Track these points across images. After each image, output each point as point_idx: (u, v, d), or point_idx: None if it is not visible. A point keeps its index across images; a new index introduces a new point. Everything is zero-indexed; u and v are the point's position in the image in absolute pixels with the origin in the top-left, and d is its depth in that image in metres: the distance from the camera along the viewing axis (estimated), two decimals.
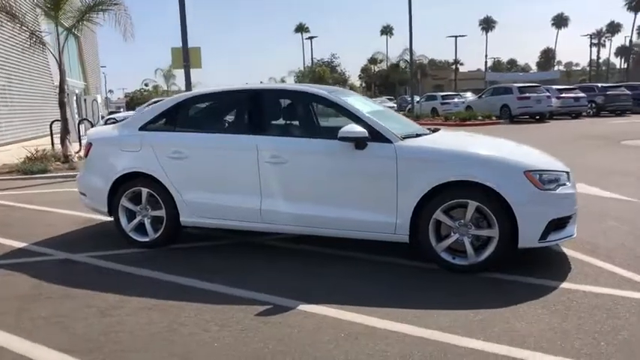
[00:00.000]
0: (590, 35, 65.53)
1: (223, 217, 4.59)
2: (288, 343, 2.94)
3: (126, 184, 4.82)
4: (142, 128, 4.87)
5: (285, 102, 4.81)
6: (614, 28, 74.45)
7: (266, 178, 4.36)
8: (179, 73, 63.65)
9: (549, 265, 4.15)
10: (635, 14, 65.61)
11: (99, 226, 5.87)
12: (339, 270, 4.16)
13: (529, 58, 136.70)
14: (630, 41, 65.78)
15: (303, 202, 4.31)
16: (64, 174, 10.01)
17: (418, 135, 4.42)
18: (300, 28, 67.87)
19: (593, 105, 24.77)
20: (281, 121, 4.79)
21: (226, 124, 4.91)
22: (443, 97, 31.03)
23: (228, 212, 4.54)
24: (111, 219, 5.04)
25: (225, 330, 3.13)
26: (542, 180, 3.89)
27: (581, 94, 24.32)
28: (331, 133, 4.33)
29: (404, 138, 4.18)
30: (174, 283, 3.97)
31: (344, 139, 4.08)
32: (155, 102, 24.14)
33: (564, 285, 3.71)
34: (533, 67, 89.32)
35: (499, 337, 2.96)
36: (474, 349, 2.83)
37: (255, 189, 4.40)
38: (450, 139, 4.55)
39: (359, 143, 4.10)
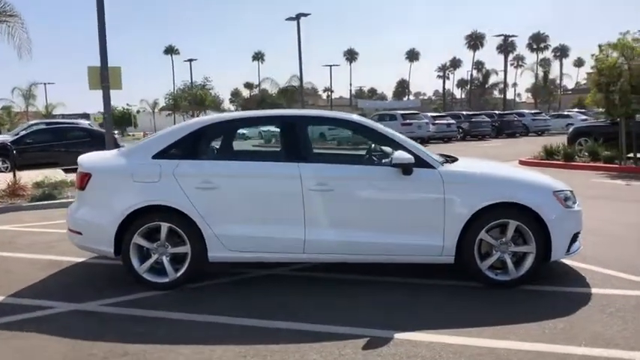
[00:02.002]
0: (439, 68, 74.20)
1: (262, 250, 4.32)
2: None
3: (140, 219, 4.29)
4: (157, 156, 4.39)
5: (323, 128, 4.74)
6: (456, 63, 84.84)
7: (311, 207, 4.24)
8: (40, 93, 57.01)
9: (565, 275, 4.64)
10: (474, 52, 75.83)
11: (73, 269, 5.10)
12: (397, 296, 4.16)
13: (387, 87, 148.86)
14: (471, 75, 75.61)
15: (351, 229, 4.27)
16: None
17: (448, 161, 4.67)
18: (170, 50, 65.66)
19: (461, 130, 27.94)
20: (321, 147, 4.70)
21: (261, 151, 4.67)
22: None
23: (268, 244, 4.30)
24: (91, 260, 4.43)
25: None
26: (565, 199, 4.40)
27: (452, 121, 27.33)
28: (371, 159, 4.39)
29: (443, 163, 4.41)
30: (237, 325, 3.64)
31: (397, 165, 4.17)
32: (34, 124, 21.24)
33: (594, 290, 4.19)
34: (389, 96, 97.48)
35: (594, 341, 3.27)
36: (584, 355, 3.09)
37: (299, 218, 4.24)
38: (478, 164, 4.89)
39: (406, 169, 4.22)
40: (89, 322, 3.74)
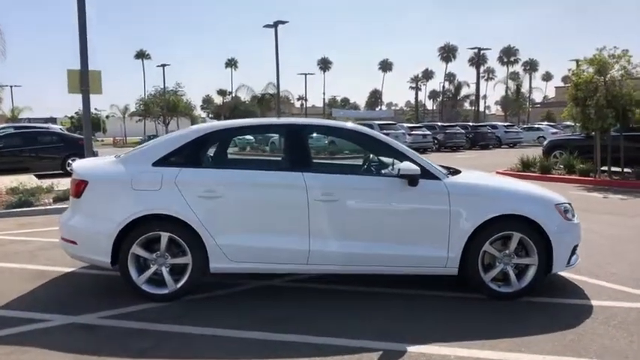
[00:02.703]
0: (412, 79, 75.43)
1: (266, 261, 4.23)
2: None
3: (139, 228, 4.14)
4: (157, 164, 4.26)
5: (328, 137, 4.68)
6: (428, 74, 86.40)
7: (316, 217, 4.18)
8: (6, 96, 54.89)
9: (563, 286, 4.71)
10: (447, 64, 77.38)
11: (62, 279, 4.89)
12: (401, 308, 4.14)
13: (359, 97, 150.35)
14: (443, 86, 77.01)
15: (355, 240, 4.23)
16: None
17: (452, 172, 4.69)
18: (141, 55, 64.60)
19: (436, 141, 28.34)
20: (326, 157, 4.65)
21: (265, 160, 4.58)
22: None
23: (272, 255, 4.21)
24: (82, 270, 4.26)
25: None
26: (565, 211, 4.47)
27: (428, 132, 27.67)
28: (369, 169, 4.35)
29: (447, 175, 4.42)
30: (250, 339, 3.54)
31: (404, 176, 4.16)
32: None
33: (594, 303, 4.25)
34: (362, 106, 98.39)
35: (604, 354, 3.31)
36: None
37: (304, 229, 4.18)
38: (481, 177, 4.92)
39: (412, 180, 4.21)
40: (90, 336, 3.58)
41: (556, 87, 76.26)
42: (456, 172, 4.70)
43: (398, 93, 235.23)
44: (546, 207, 4.38)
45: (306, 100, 66.31)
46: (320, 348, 3.36)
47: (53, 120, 49.27)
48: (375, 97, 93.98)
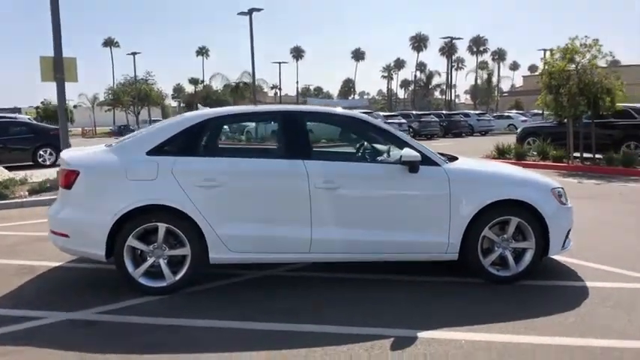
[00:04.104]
0: (384, 69, 75.69)
1: (267, 251, 4.16)
2: None
3: (135, 220, 4.00)
4: (152, 153, 4.11)
5: (328, 125, 4.61)
6: (400, 63, 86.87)
7: (317, 205, 4.12)
8: None
9: (556, 269, 4.79)
10: (418, 53, 77.96)
11: (49, 274, 4.70)
12: (403, 295, 4.13)
13: (332, 86, 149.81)
14: (415, 76, 77.68)
15: (358, 228, 4.20)
16: None
17: (450, 159, 4.69)
18: (109, 43, 62.68)
19: (411, 130, 28.55)
20: (326, 145, 4.58)
21: (266, 148, 4.47)
22: None
23: (273, 245, 4.14)
24: (82, 264, 4.11)
25: None
26: (559, 195, 4.54)
27: (403, 120, 27.86)
28: (375, 156, 4.33)
29: (446, 162, 4.43)
30: (257, 330, 3.47)
31: (406, 162, 4.14)
32: None
33: (588, 284, 4.34)
34: (335, 95, 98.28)
35: (608, 333, 3.38)
36: (606, 347, 3.19)
37: (305, 217, 4.11)
38: (479, 163, 4.95)
39: (413, 167, 4.19)
40: (90, 332, 3.44)
41: (524, 76, 77.85)
42: (452, 158, 4.71)
43: (370, 82, 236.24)
44: (543, 192, 4.44)
45: (280, 89, 65.76)
46: (331, 337, 3.32)
47: (18, 110, 47.31)
48: (348, 86, 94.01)
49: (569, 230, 4.61)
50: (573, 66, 13.15)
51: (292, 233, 4.13)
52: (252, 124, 4.44)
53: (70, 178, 4.10)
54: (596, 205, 8.09)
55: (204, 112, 4.53)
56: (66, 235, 4.12)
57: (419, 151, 4.25)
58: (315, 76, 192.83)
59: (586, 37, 13.19)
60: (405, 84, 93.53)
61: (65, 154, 4.39)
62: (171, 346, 3.22)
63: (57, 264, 4.95)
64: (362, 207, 4.23)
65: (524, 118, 34.25)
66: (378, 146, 4.81)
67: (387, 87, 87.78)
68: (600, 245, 5.53)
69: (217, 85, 55.48)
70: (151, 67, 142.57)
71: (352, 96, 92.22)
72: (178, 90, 77.36)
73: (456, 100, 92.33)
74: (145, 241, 4.07)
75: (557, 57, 13.52)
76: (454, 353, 3.11)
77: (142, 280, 4.06)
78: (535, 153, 14.88)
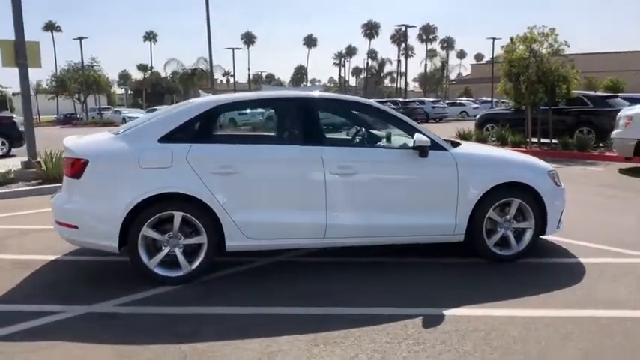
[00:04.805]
0: (336, 56, 75.98)
1: (282, 237, 4.17)
2: (496, 346, 3.04)
3: (149, 209, 3.90)
4: (164, 140, 4.01)
5: (340, 111, 4.63)
6: (351, 51, 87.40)
7: (332, 191, 4.16)
8: None
9: (550, 248, 5.06)
10: (370, 41, 78.68)
11: (49, 268, 4.51)
12: (423, 276, 4.25)
13: (284, 73, 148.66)
14: (367, 63, 78.46)
15: (372, 212, 4.28)
16: None
17: (454, 144, 4.84)
18: (51, 27, 59.21)
19: None
20: (338, 131, 4.60)
21: (279, 134, 4.43)
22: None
23: (289, 231, 4.16)
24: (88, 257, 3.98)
25: (418, 346, 3.03)
26: (554, 177, 4.80)
27: None
28: (375, 142, 4.41)
29: (451, 147, 4.57)
30: (288, 314, 3.50)
31: (418, 147, 4.25)
32: None
33: (582, 260, 4.63)
34: (286, 82, 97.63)
35: (615, 304, 3.64)
36: (619, 317, 3.43)
37: (321, 203, 4.15)
38: (481, 148, 5.14)
39: (423, 151, 4.31)
40: (117, 325, 3.35)
41: (472, 64, 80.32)
42: (455, 143, 4.87)
43: (322, 69, 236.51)
44: (541, 174, 4.68)
45: (234, 75, 64.72)
46: (364, 318, 3.40)
47: None
48: (300, 73, 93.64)
49: (563, 211, 4.89)
50: (532, 54, 13.75)
51: (308, 219, 4.16)
52: (263, 110, 4.35)
53: (77, 167, 3.93)
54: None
55: (215, 98, 4.45)
56: (74, 227, 3.97)
57: (428, 137, 4.38)
58: (266, 63, 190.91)
59: (543, 26, 13.84)
60: (356, 71, 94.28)
61: (69, 142, 4.20)
62: (206, 335, 3.19)
63: (52, 257, 4.75)
64: (376, 192, 4.31)
65: (475, 105, 35.43)
66: (367, 132, 4.92)
67: (339, 74, 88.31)
68: (578, 224, 5.87)
69: (165, 71, 53.69)
70: (95, 52, 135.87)
71: (304, 83, 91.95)
72: (124, 77, 74.45)
73: (407, 88, 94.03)
74: (159, 230, 3.98)
75: (518, 46, 14.08)
76: (483, 328, 3.27)
77: (158, 270, 3.98)
78: (494, 139, 15.50)
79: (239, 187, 4.04)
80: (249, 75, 71.50)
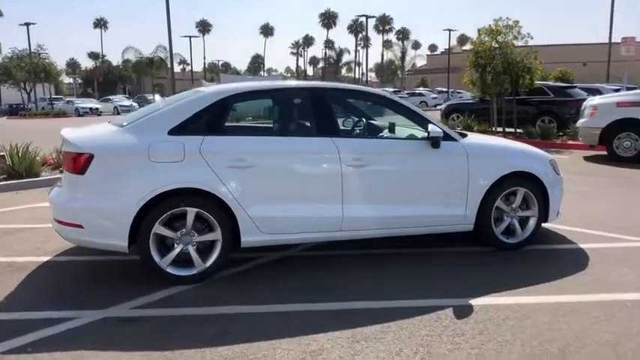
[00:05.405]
0: (293, 45, 75.41)
1: (298, 231, 4.06)
2: (533, 334, 3.08)
3: (161, 205, 3.70)
4: (174, 132, 3.80)
5: (352, 102, 4.53)
6: (309, 40, 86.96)
7: (348, 183, 4.09)
8: None
9: (549, 235, 5.19)
10: (327, 30, 78.52)
11: (47, 270, 4.21)
12: (441, 267, 4.27)
13: (240, 62, 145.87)
14: (325, 53, 78.35)
15: (387, 204, 4.24)
16: None
17: (462, 135, 4.85)
18: None
19: None
20: (351, 122, 4.51)
21: (294, 125, 4.28)
22: None
23: (305, 224, 4.05)
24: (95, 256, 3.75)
25: (458, 337, 3.03)
26: (554, 166, 4.92)
27: None
28: (394, 133, 4.37)
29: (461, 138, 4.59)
30: (317, 311, 3.41)
31: (432, 138, 4.23)
32: None
33: (582, 246, 4.79)
34: (243, 71, 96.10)
35: (624, 288, 3.77)
36: (632, 299, 3.57)
37: (337, 195, 4.07)
38: (488, 138, 5.19)
39: (436, 142, 4.30)
40: (140, 329, 3.15)
41: (427, 55, 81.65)
42: (462, 134, 4.90)
43: (279, 59, 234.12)
44: (544, 163, 4.79)
45: (191, 64, 62.81)
46: (394, 311, 3.37)
47: None
48: (257, 62, 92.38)
49: (561, 199, 5.03)
50: (498, 45, 14.10)
51: (324, 212, 4.08)
52: (276, 100, 4.14)
53: (81, 162, 3.66)
54: None
55: (226, 88, 4.25)
56: (79, 226, 3.70)
57: (440, 128, 4.37)
58: (223, 51, 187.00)
59: (507, 18, 14.21)
60: (313, 61, 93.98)
61: (69, 134, 3.90)
62: (239, 335, 3.06)
63: (44, 258, 4.45)
64: (391, 183, 4.27)
65: (434, 95, 36.09)
66: (373, 122, 4.88)
67: (296, 64, 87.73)
68: (574, 212, 6.07)
69: (117, 60, 51.56)
70: (41, 39, 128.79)
71: (261, 72, 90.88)
72: (72, 65, 70.95)
73: (364, 78, 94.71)
74: (171, 227, 3.79)
75: (483, 38, 14.40)
76: (514, 316, 3.30)
77: (171, 270, 3.79)
78: (459, 128, 15.85)
79: (254, 180, 3.89)
80: (204, 64, 69.81)
